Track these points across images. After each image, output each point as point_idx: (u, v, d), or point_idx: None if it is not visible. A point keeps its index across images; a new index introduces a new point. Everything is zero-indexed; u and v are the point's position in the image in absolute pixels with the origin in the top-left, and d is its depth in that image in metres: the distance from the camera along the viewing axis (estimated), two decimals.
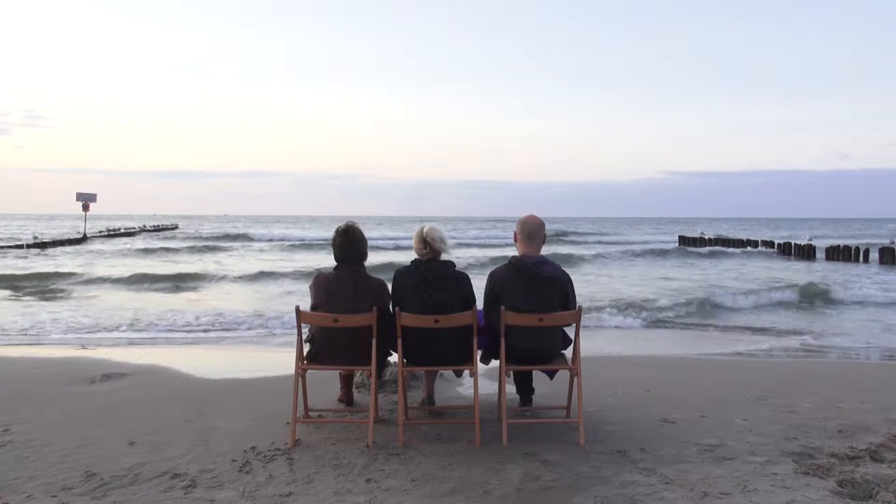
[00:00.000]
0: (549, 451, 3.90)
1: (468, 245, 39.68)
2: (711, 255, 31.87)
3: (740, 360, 7.88)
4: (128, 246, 34.79)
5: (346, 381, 4.98)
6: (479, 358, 4.46)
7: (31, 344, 8.63)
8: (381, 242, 38.23)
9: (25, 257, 26.15)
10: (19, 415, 4.66)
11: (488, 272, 4.55)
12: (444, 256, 4.44)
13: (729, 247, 38.40)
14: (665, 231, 71.76)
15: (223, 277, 18.90)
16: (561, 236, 54.40)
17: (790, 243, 34.24)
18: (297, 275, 19.34)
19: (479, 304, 4.38)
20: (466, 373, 5.02)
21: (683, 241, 45.19)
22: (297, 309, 4.16)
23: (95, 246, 34.73)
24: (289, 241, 43.03)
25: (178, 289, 16.62)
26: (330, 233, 4.74)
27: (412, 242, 4.43)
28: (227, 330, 10.16)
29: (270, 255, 30.43)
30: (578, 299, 4.46)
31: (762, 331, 10.62)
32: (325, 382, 5.27)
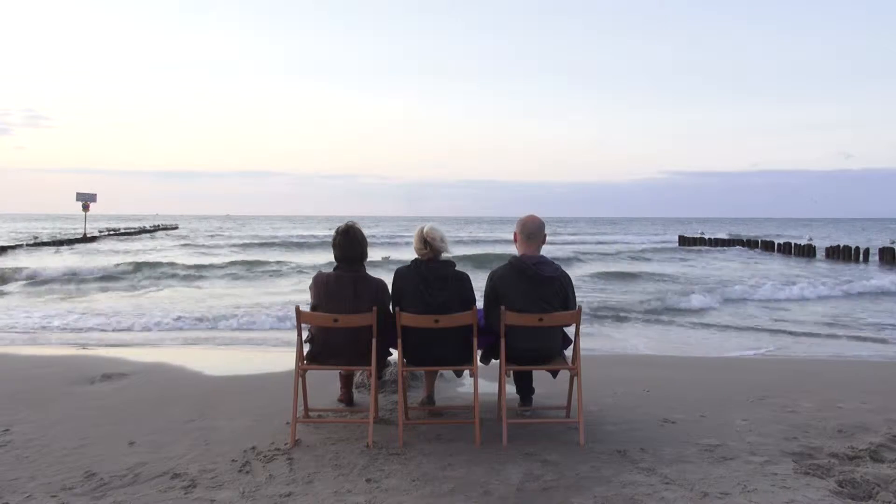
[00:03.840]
0: (549, 451, 3.90)
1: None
2: None
3: (740, 360, 7.89)
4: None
5: (346, 381, 4.98)
6: (479, 358, 4.46)
7: (31, 344, 8.63)
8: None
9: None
10: (19, 415, 4.66)
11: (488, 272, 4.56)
12: (444, 256, 4.44)
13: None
14: (667, 231, 71.42)
15: None
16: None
17: None
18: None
19: (479, 304, 4.38)
20: (466, 373, 5.02)
21: (683, 241, 45.19)
22: (297, 309, 4.16)
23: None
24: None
25: None
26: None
27: (412, 242, 4.44)
28: None
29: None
30: None
31: None
32: (325, 382, 5.27)
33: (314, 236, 50.21)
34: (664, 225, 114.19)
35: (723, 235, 48.99)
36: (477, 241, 44.78)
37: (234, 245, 39.78)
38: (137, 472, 3.55)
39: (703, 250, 37.98)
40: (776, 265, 27.28)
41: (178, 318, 11.09)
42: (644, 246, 41.81)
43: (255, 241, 43.52)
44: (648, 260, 30.05)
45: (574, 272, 21.99)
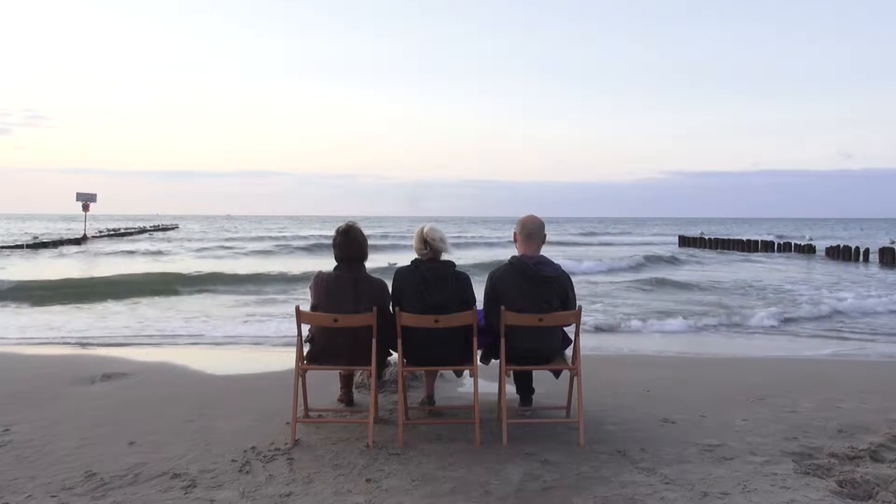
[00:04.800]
0: (549, 451, 3.90)
1: None
2: None
3: (740, 360, 7.89)
4: None
5: (346, 381, 4.98)
6: (479, 358, 4.46)
7: (32, 344, 8.63)
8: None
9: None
10: (19, 415, 4.66)
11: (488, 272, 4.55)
12: (444, 256, 4.44)
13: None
14: (669, 232, 70.38)
15: None
16: None
17: None
18: None
19: (479, 304, 4.38)
20: (466, 373, 5.02)
21: (683, 241, 45.17)
22: (297, 309, 4.16)
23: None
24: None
25: None
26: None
27: (413, 242, 4.44)
28: None
29: None
30: None
31: None
32: (325, 382, 5.27)
33: (325, 236, 47.76)
34: (667, 225, 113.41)
35: (771, 238, 45.82)
36: (490, 244, 42.03)
37: (237, 247, 37.33)
38: (137, 472, 3.55)
39: (734, 254, 35.40)
40: (820, 269, 25.23)
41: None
42: (669, 248, 39.26)
43: (264, 244, 40.51)
44: (680, 264, 27.66)
45: (630, 277, 20.13)
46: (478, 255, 29.22)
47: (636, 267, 25.51)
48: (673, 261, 29.07)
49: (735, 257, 32.63)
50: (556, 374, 4.70)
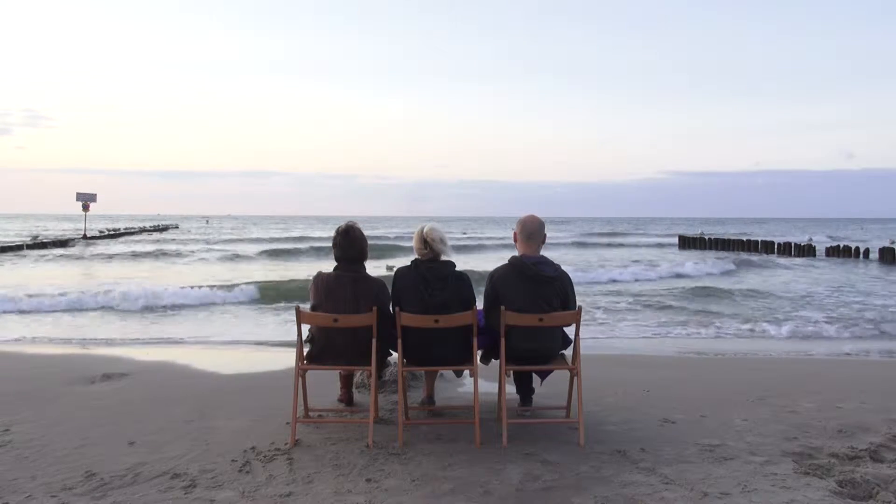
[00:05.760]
0: (549, 451, 3.90)
1: None
2: None
3: (740, 359, 7.89)
4: None
5: (346, 381, 4.98)
6: (479, 358, 4.46)
7: (32, 343, 8.63)
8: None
9: None
10: (19, 415, 4.66)
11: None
12: (443, 257, 4.44)
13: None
14: (670, 232, 69.72)
15: None
16: None
17: None
18: None
19: (479, 304, 4.38)
20: (466, 373, 5.02)
21: (683, 241, 45.17)
22: (297, 309, 4.16)
23: None
24: None
25: None
26: None
27: (413, 242, 4.44)
28: None
29: None
30: None
31: None
32: (325, 382, 5.27)
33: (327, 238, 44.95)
34: (670, 225, 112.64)
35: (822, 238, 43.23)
36: (504, 245, 39.14)
37: (242, 248, 36.54)
38: (137, 472, 3.55)
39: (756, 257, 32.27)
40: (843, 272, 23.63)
41: None
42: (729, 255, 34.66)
43: (270, 244, 39.38)
44: (767, 268, 25.14)
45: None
46: (487, 257, 28.50)
47: (731, 272, 23.13)
48: (762, 265, 26.32)
49: (796, 262, 29.44)
50: (542, 377, 4.71)
